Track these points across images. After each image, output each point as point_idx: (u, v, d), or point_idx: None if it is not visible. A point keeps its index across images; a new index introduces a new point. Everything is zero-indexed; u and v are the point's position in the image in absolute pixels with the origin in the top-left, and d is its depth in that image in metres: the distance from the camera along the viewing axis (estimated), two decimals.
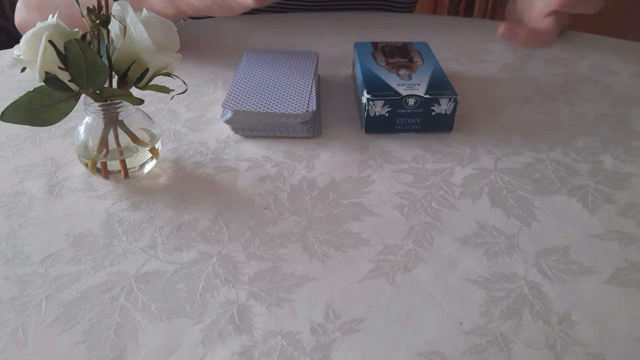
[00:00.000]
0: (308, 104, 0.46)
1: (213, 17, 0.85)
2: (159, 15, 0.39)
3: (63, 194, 0.40)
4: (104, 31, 0.36)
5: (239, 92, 0.48)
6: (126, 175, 0.41)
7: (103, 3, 0.36)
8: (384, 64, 0.52)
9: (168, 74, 0.39)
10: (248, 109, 0.45)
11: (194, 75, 0.60)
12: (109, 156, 0.40)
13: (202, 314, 0.30)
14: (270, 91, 0.48)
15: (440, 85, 0.48)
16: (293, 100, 0.46)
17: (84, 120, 0.39)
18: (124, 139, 0.40)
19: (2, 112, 0.34)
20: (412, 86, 0.47)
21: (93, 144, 0.39)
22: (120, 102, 0.38)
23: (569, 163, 0.44)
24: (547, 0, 0.60)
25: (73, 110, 0.36)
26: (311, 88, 0.49)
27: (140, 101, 0.37)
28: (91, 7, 0.35)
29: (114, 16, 0.36)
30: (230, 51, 0.67)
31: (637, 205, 0.39)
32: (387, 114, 0.47)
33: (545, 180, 0.42)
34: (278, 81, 0.50)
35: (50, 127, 0.49)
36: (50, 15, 0.35)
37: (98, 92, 0.36)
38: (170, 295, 0.32)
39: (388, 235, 0.36)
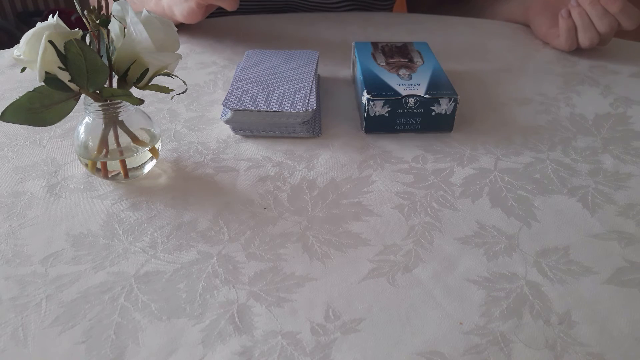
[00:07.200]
0: (308, 103, 0.46)
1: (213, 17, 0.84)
2: None
3: (63, 194, 0.40)
4: (104, 31, 0.36)
5: (239, 91, 0.48)
6: (126, 175, 0.41)
7: (103, 3, 0.36)
8: (384, 64, 0.52)
9: (168, 74, 0.39)
10: (248, 107, 0.45)
11: (194, 75, 0.60)
12: (109, 156, 0.40)
13: (202, 314, 0.30)
14: (270, 90, 0.48)
15: (440, 85, 0.48)
16: (293, 99, 0.46)
17: (84, 120, 0.39)
18: (124, 139, 0.40)
19: (2, 112, 0.34)
20: (412, 86, 0.47)
21: (93, 144, 0.39)
22: (120, 102, 0.38)
23: (569, 163, 0.44)
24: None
25: (73, 110, 0.36)
26: (311, 87, 0.49)
27: (140, 101, 0.37)
28: (91, 7, 0.35)
29: (114, 16, 0.36)
30: (230, 51, 0.67)
31: (637, 205, 0.39)
32: (387, 114, 0.47)
33: (545, 180, 0.42)
34: (278, 80, 0.50)
35: (50, 127, 0.49)
36: (50, 15, 0.35)
37: (98, 92, 0.36)
38: (170, 295, 0.32)
39: (388, 235, 0.36)
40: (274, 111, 0.45)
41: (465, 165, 0.44)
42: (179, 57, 0.38)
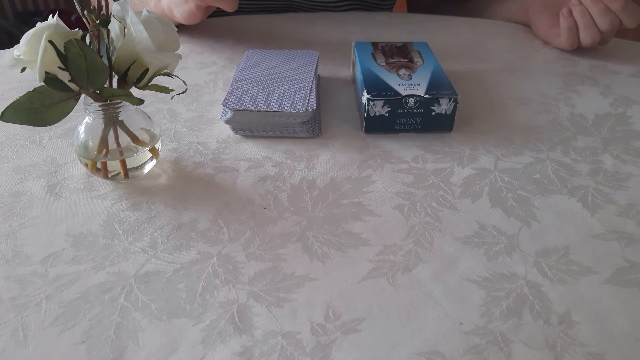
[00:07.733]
0: (308, 103, 0.46)
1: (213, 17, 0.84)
2: None
3: (63, 194, 0.40)
4: (104, 31, 0.36)
5: (239, 91, 0.48)
6: (126, 175, 0.41)
7: (103, 3, 0.36)
8: (384, 64, 0.52)
9: (168, 74, 0.39)
10: (248, 107, 0.45)
11: (194, 75, 0.60)
12: (109, 156, 0.40)
13: (202, 314, 0.30)
14: (270, 90, 0.48)
15: (440, 85, 0.48)
16: (293, 99, 0.46)
17: (84, 120, 0.39)
18: (124, 139, 0.40)
19: (2, 112, 0.34)
20: (412, 86, 0.47)
21: (93, 144, 0.39)
22: (120, 102, 0.38)
23: (569, 163, 0.44)
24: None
25: (73, 110, 0.36)
26: (311, 87, 0.49)
27: (140, 101, 0.37)
28: (91, 7, 0.35)
29: (114, 16, 0.36)
30: (230, 51, 0.67)
31: (637, 205, 0.39)
32: (387, 114, 0.47)
33: (545, 180, 0.42)
34: (278, 80, 0.50)
35: (50, 127, 0.49)
36: (50, 15, 0.35)
37: (98, 92, 0.36)
38: (170, 295, 0.32)
39: (388, 235, 0.36)
40: (274, 111, 0.45)
41: (465, 165, 0.44)
42: (179, 57, 0.38)
